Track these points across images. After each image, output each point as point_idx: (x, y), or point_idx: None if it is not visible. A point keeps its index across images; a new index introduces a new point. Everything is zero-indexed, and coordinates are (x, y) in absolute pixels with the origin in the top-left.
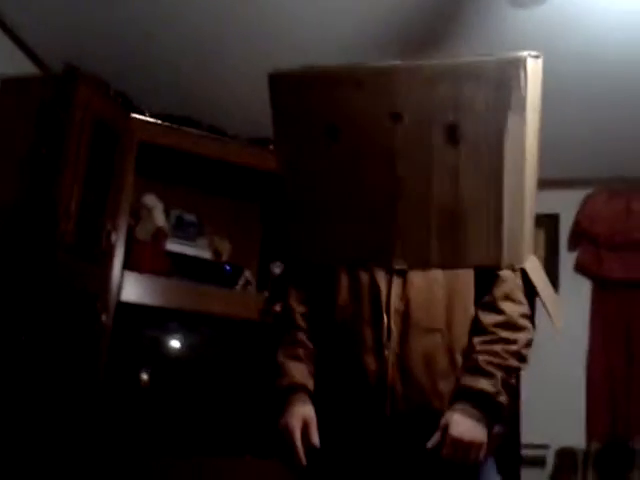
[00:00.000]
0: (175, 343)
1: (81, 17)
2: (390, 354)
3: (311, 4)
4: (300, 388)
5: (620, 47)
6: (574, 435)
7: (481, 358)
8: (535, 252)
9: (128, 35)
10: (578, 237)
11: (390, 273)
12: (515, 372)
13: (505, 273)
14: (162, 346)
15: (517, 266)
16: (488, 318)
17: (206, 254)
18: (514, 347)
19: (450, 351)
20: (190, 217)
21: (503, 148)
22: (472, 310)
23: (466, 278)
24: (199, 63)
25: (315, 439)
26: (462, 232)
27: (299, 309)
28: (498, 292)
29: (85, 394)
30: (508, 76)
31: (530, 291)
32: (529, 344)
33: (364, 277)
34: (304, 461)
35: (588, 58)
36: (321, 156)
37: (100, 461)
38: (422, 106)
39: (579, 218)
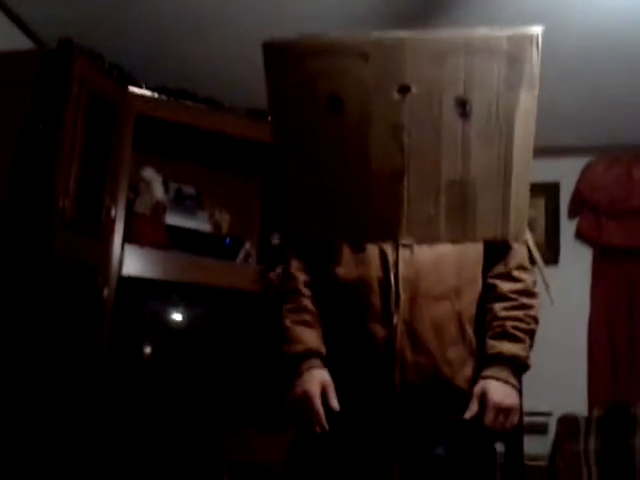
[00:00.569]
0: (177, 316)
1: None
2: (399, 321)
3: None
4: (314, 353)
5: (619, 15)
6: (576, 402)
7: (509, 324)
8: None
9: (123, 8)
10: (579, 205)
11: (397, 246)
12: (535, 336)
13: (516, 245)
14: (164, 319)
15: (522, 239)
16: (507, 286)
17: (206, 227)
18: (533, 312)
19: (459, 320)
20: (189, 190)
21: (514, 123)
22: (480, 281)
23: (475, 250)
24: (196, 34)
25: (335, 403)
26: (470, 207)
27: (302, 277)
28: (512, 262)
29: (88, 368)
30: (521, 51)
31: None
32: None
33: (370, 246)
34: (326, 426)
35: (587, 26)
36: (322, 129)
37: (103, 435)
38: (432, 79)
39: (580, 186)
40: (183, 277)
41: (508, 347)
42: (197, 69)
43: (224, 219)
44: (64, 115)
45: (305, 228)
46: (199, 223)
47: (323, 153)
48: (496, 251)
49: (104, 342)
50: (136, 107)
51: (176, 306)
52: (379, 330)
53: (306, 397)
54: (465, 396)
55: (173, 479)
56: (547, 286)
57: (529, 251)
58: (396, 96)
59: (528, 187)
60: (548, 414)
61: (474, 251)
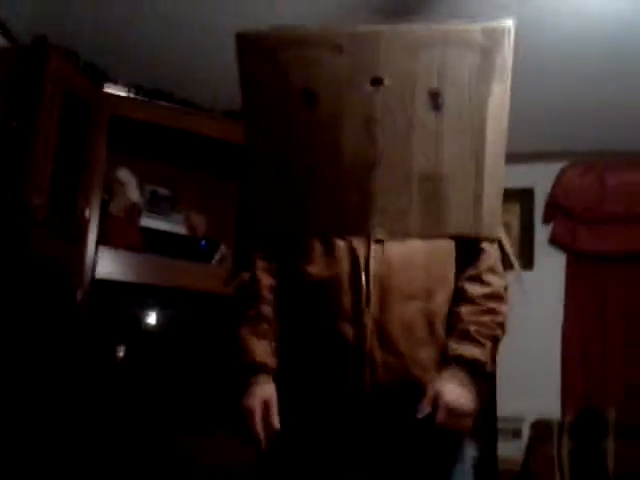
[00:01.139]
0: (151, 319)
1: None
2: (369, 321)
3: None
4: (261, 368)
5: (595, 19)
6: (549, 406)
7: (472, 328)
8: (510, 225)
9: (98, 6)
10: (553, 210)
11: (368, 241)
12: (499, 342)
13: (488, 246)
14: (138, 322)
15: (495, 236)
16: (475, 289)
17: (181, 229)
18: (500, 318)
19: (430, 320)
20: (164, 192)
21: (486, 116)
22: (452, 281)
23: (446, 248)
24: (172, 33)
25: (275, 423)
26: (443, 200)
27: (266, 281)
28: (483, 265)
29: (61, 371)
30: (494, 43)
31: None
32: (507, 316)
33: (340, 243)
34: (264, 444)
35: (562, 30)
36: (295, 121)
37: (78, 437)
38: (405, 71)
39: (554, 191)
40: (157, 279)
41: (469, 350)
42: (173, 69)
43: (200, 222)
44: (38, 113)
45: (276, 223)
46: (174, 225)
47: (296, 146)
48: (468, 253)
49: (78, 344)
50: (111, 107)
51: (150, 309)
52: (348, 330)
53: (246, 413)
54: None
55: None
56: (523, 288)
57: (503, 253)
58: (369, 88)
59: (502, 184)
60: (521, 419)
61: (445, 249)
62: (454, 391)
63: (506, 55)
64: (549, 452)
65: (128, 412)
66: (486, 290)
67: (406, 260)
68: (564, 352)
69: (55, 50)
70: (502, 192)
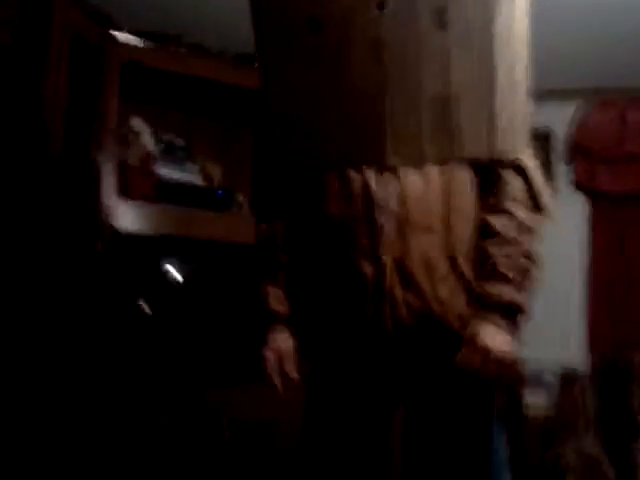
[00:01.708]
0: (171, 270)
1: None
2: (387, 257)
3: None
4: (275, 316)
5: None
6: (574, 352)
7: (498, 261)
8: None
9: None
10: (572, 151)
11: (383, 172)
12: (530, 275)
13: (510, 177)
14: (159, 273)
15: (511, 156)
16: (497, 221)
17: (197, 179)
18: (525, 247)
19: (450, 254)
20: (179, 141)
21: (493, 32)
22: (473, 213)
23: (464, 179)
24: None
25: (290, 371)
26: (455, 122)
27: (281, 228)
28: (504, 195)
29: (83, 324)
30: None
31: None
32: (535, 249)
33: (356, 179)
34: (282, 391)
35: None
36: (304, 52)
37: (100, 393)
38: None
39: (572, 131)
40: (176, 230)
41: (499, 290)
42: (180, 13)
43: (215, 171)
44: (46, 64)
45: (292, 161)
46: (190, 175)
47: (306, 78)
48: (489, 184)
49: (99, 297)
50: (122, 54)
51: (169, 259)
52: (367, 267)
53: (263, 361)
54: (457, 334)
55: (173, 435)
56: (553, 189)
57: (529, 184)
58: (374, 12)
59: (520, 100)
60: (546, 365)
61: (462, 180)
62: (497, 336)
63: None
64: (575, 398)
65: (153, 366)
66: (509, 221)
67: (422, 194)
68: (588, 296)
69: None
70: (522, 117)
